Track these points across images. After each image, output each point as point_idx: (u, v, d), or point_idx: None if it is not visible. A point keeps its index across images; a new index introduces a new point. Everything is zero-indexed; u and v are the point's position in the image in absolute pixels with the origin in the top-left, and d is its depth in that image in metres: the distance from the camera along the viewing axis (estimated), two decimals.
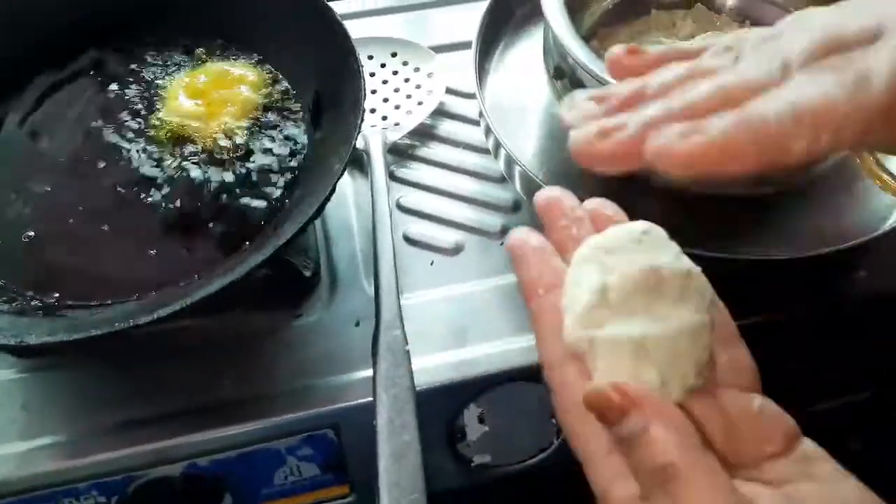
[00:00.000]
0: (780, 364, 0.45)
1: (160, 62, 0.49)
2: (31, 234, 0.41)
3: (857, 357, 0.47)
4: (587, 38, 0.47)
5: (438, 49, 0.56)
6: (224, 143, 0.44)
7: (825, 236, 0.39)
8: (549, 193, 0.29)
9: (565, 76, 0.43)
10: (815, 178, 0.42)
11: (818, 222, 0.41)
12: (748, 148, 0.21)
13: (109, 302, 0.38)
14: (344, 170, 0.38)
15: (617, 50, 0.26)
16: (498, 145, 0.44)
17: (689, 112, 0.22)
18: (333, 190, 0.37)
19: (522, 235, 0.28)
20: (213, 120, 0.45)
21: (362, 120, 0.40)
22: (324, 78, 0.44)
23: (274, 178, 0.43)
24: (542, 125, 0.48)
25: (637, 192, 0.36)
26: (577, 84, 0.42)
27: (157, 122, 0.45)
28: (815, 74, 0.20)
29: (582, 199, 0.37)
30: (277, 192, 0.42)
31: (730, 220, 0.41)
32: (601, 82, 0.39)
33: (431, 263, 0.47)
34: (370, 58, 0.55)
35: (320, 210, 0.37)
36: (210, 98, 0.46)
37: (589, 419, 0.23)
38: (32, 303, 0.37)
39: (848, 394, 0.49)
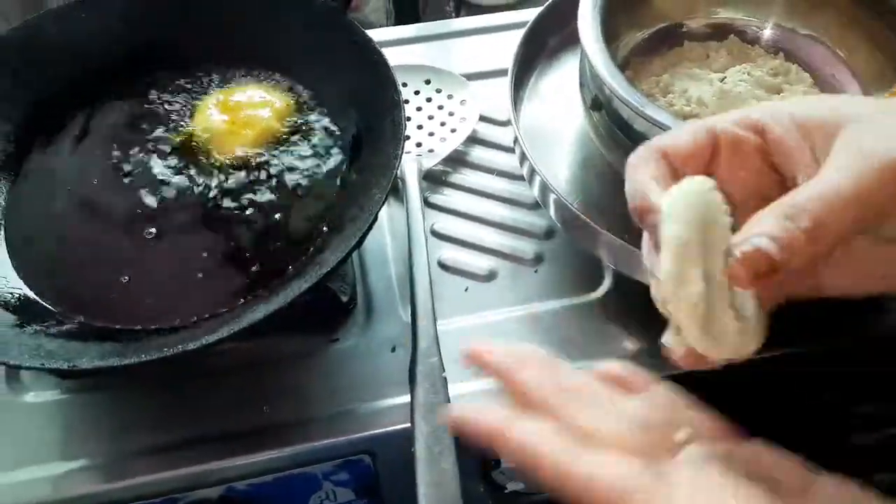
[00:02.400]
0: (817, 396, 0.44)
1: (201, 86, 0.50)
2: (80, 258, 0.41)
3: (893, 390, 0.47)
4: (621, 68, 0.47)
5: (471, 77, 0.57)
6: (263, 166, 0.45)
7: None
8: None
9: (602, 107, 0.44)
10: None
11: None
12: None
13: (155, 326, 0.38)
14: (385, 199, 0.39)
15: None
16: (533, 172, 0.45)
17: None
18: (376, 219, 0.38)
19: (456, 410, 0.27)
20: (238, 141, 0.46)
21: (402, 150, 0.40)
22: (364, 108, 0.45)
23: (315, 203, 0.43)
24: (575, 153, 0.48)
25: None
26: (614, 115, 0.43)
27: (194, 142, 0.46)
28: None
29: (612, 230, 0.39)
30: (318, 219, 0.43)
31: None
32: (639, 114, 0.40)
33: (465, 290, 0.47)
34: (404, 84, 0.56)
35: (363, 239, 0.38)
36: (236, 117, 0.47)
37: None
38: (81, 327, 0.38)
39: (886, 427, 0.48)
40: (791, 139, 0.26)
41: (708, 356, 0.25)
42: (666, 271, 0.25)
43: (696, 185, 0.26)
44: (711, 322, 0.25)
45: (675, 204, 0.25)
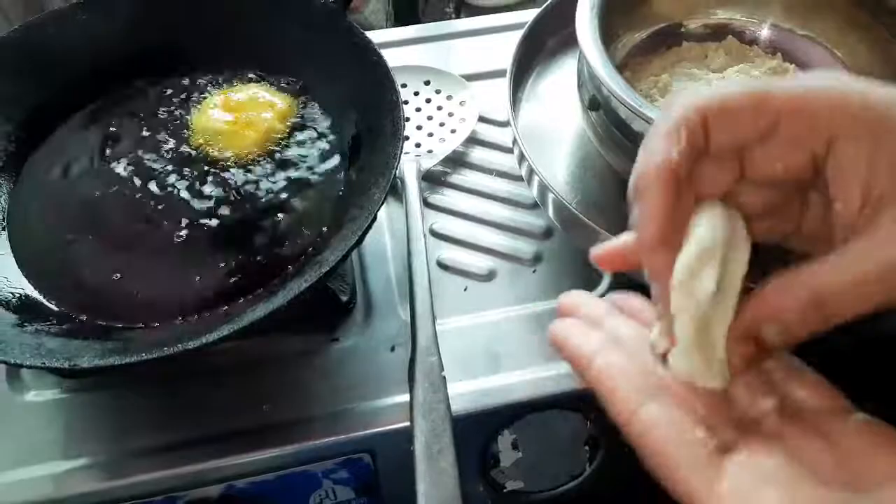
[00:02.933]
0: None
1: (201, 87, 0.50)
2: (82, 257, 0.42)
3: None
4: (619, 68, 0.48)
5: (470, 77, 0.57)
6: (263, 167, 0.45)
7: None
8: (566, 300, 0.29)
9: (600, 107, 0.44)
10: None
11: None
12: None
13: (156, 325, 0.39)
14: (384, 199, 0.39)
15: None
16: (531, 172, 0.45)
17: None
18: (375, 218, 0.38)
19: (559, 324, 0.28)
20: (240, 141, 0.46)
21: (401, 150, 0.41)
22: (363, 108, 0.45)
23: (314, 202, 0.44)
24: (574, 153, 0.49)
25: None
26: (612, 115, 0.43)
27: (195, 142, 0.47)
28: None
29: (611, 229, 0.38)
30: (317, 218, 0.43)
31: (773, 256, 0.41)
32: (636, 113, 0.40)
33: (465, 289, 0.47)
34: (404, 86, 0.56)
35: (362, 238, 0.38)
36: (238, 118, 0.47)
37: (679, 462, 0.23)
38: (83, 326, 0.38)
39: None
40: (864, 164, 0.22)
41: (680, 371, 0.24)
42: (684, 264, 0.24)
43: (726, 210, 0.25)
44: (704, 335, 0.24)
45: (710, 214, 0.24)
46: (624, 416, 0.24)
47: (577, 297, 0.29)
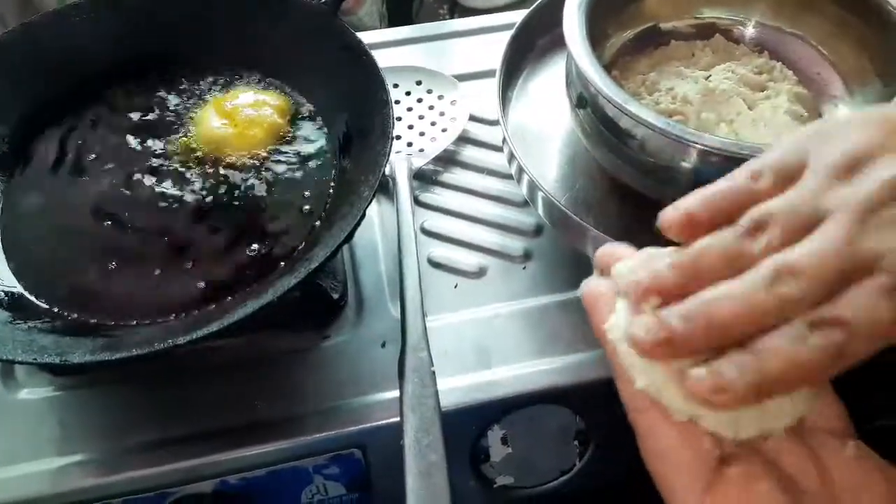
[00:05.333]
0: None
1: (194, 90, 0.50)
2: (73, 256, 0.42)
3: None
4: (608, 68, 0.48)
5: (461, 77, 0.57)
6: (254, 165, 0.46)
7: None
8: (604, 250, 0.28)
9: (587, 105, 0.44)
10: None
11: None
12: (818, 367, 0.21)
13: (147, 322, 0.39)
14: (373, 196, 0.39)
15: (672, 218, 0.25)
16: (521, 171, 0.45)
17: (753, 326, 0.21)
18: (363, 215, 0.39)
19: (593, 283, 0.27)
20: (240, 142, 0.47)
21: (391, 149, 0.41)
22: (353, 107, 0.46)
23: (305, 200, 0.44)
24: (563, 152, 0.49)
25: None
26: (599, 113, 0.43)
27: (188, 143, 0.47)
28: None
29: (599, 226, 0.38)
30: (308, 216, 0.43)
31: None
32: (622, 111, 0.40)
33: (455, 286, 0.48)
34: (395, 86, 0.57)
35: (351, 234, 0.38)
36: (237, 121, 0.48)
37: (679, 465, 0.23)
38: (74, 323, 0.39)
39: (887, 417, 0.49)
40: None
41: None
42: None
43: None
44: None
45: None
46: (634, 405, 0.24)
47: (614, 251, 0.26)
